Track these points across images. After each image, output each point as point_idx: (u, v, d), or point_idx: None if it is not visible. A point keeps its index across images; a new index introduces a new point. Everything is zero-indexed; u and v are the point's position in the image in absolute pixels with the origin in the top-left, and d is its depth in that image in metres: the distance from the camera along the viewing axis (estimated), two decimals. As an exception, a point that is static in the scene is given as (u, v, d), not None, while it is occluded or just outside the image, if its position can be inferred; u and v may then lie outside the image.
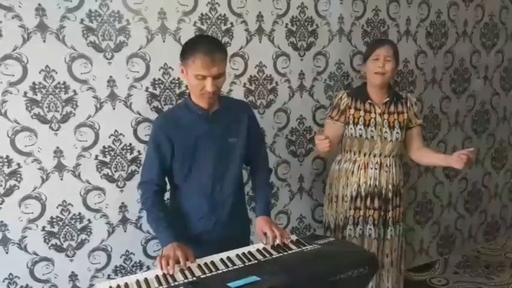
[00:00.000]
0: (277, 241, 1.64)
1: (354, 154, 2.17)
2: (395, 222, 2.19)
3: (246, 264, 1.49)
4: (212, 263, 1.52)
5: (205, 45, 1.58)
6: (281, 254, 1.56)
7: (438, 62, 2.82)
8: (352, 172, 2.16)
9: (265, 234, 1.68)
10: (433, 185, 3.01)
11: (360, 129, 2.12)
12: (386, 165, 2.15)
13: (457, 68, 2.91)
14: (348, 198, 2.17)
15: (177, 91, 2.11)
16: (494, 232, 3.41)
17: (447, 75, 2.88)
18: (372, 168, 2.14)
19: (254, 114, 1.89)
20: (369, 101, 2.13)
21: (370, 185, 2.14)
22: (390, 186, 2.15)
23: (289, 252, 1.57)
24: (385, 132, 2.12)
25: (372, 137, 2.12)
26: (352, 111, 2.13)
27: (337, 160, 2.24)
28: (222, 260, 1.54)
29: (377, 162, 2.14)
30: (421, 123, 2.23)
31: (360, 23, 2.49)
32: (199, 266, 1.50)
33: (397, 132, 2.13)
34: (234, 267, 1.48)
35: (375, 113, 2.12)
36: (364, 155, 2.15)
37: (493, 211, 3.37)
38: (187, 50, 1.61)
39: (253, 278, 1.35)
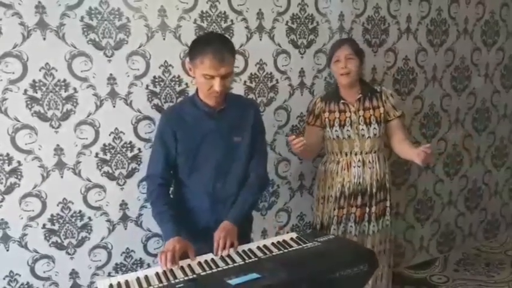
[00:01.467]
0: (219, 253, 1.55)
1: (337, 155, 2.18)
2: (378, 218, 2.18)
3: (246, 261, 1.49)
4: (212, 260, 1.52)
5: (214, 46, 1.57)
6: (281, 252, 1.56)
7: (439, 59, 2.82)
8: (337, 173, 2.17)
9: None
10: (434, 183, 3.00)
11: (336, 130, 2.13)
12: (369, 161, 2.15)
13: (458, 66, 2.91)
14: (333, 198, 2.18)
15: (178, 89, 2.11)
16: (494, 230, 3.41)
17: (448, 72, 2.88)
18: (355, 167, 2.15)
19: (259, 114, 1.88)
20: (342, 100, 2.13)
21: (354, 183, 2.14)
22: (374, 182, 2.15)
23: (290, 249, 1.57)
24: (362, 129, 2.13)
25: (349, 136, 2.13)
26: (326, 114, 2.14)
27: (323, 161, 2.26)
28: (222, 257, 1.54)
29: (359, 160, 2.14)
30: (400, 115, 2.19)
31: (360, 20, 2.49)
32: (199, 263, 1.50)
33: (375, 128, 2.13)
34: (234, 264, 1.48)
35: (350, 111, 2.12)
36: (346, 154, 2.16)
37: (493, 209, 3.37)
38: (196, 50, 1.60)
39: (254, 275, 1.36)
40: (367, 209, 2.16)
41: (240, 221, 1.69)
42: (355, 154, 2.15)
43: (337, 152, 2.17)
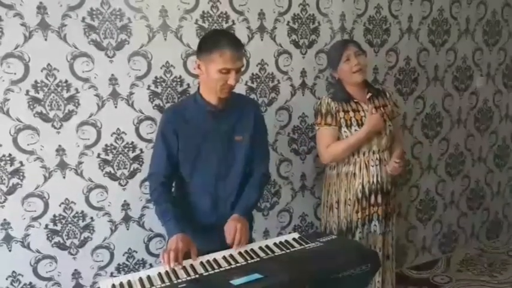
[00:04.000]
0: (234, 248, 1.58)
1: (353, 156, 2.11)
2: (393, 214, 2.21)
3: (249, 261, 1.49)
4: (215, 260, 1.52)
5: (231, 40, 1.61)
6: (283, 252, 1.56)
7: (440, 59, 2.81)
8: (354, 174, 2.12)
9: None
10: (436, 183, 3.00)
11: (356, 130, 2.07)
12: (384, 158, 2.13)
13: (460, 66, 2.90)
14: (352, 201, 2.12)
15: (179, 89, 2.11)
16: (497, 230, 3.40)
17: (449, 72, 2.87)
18: (373, 166, 2.12)
19: (261, 114, 1.88)
20: (355, 100, 2.11)
21: (373, 182, 2.12)
22: (390, 179, 2.15)
23: (292, 249, 1.57)
24: None
25: None
26: (341, 114, 2.08)
27: (333, 165, 2.17)
28: (224, 257, 1.54)
29: (377, 158, 2.12)
30: (400, 113, 2.23)
31: (361, 20, 2.49)
32: (201, 263, 1.50)
33: (389, 125, 2.13)
34: (237, 264, 1.48)
35: (363, 110, 2.10)
36: (364, 154, 2.12)
37: (496, 209, 3.36)
38: (212, 44, 1.59)
39: (256, 276, 1.35)
40: (384, 207, 2.15)
41: (247, 214, 1.72)
42: (373, 153, 2.11)
43: (353, 153, 2.11)
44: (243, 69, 1.68)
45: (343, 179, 2.14)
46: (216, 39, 1.62)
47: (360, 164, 2.12)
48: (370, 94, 2.12)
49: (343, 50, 2.07)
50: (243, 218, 1.68)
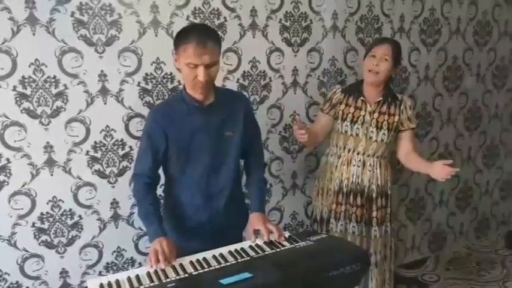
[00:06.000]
0: (272, 238, 1.61)
1: (340, 149, 2.18)
2: (380, 223, 2.16)
3: (239, 260, 1.48)
4: (204, 259, 1.51)
5: (197, 34, 1.55)
6: (274, 251, 1.55)
7: (431, 59, 2.83)
8: (336, 167, 2.17)
9: (257, 231, 1.67)
10: (425, 182, 3.02)
11: (346, 125, 2.12)
12: (370, 164, 2.14)
13: (450, 66, 2.92)
14: (332, 192, 2.18)
15: (170, 86, 2.09)
16: (485, 229, 3.44)
17: (440, 72, 2.89)
18: (354, 166, 2.14)
19: (251, 107, 1.87)
20: (362, 98, 2.12)
21: (352, 181, 2.14)
22: (374, 187, 2.13)
23: (282, 248, 1.56)
24: (371, 131, 2.11)
25: (357, 134, 2.12)
26: (342, 106, 2.14)
27: (326, 153, 2.27)
28: (214, 256, 1.53)
29: (360, 160, 2.14)
30: (414, 128, 2.16)
31: (353, 19, 2.49)
32: (191, 262, 1.49)
33: (384, 134, 2.11)
34: (227, 263, 1.47)
35: (365, 110, 2.11)
36: (349, 151, 2.15)
37: (484, 208, 3.39)
38: (180, 39, 1.58)
39: (246, 275, 1.35)
40: (366, 211, 2.15)
41: (264, 209, 1.77)
42: (358, 153, 2.14)
43: (340, 146, 2.17)
44: (216, 66, 1.59)
45: (328, 168, 2.21)
46: (184, 33, 1.58)
47: (343, 159, 2.16)
48: (380, 99, 2.11)
49: (375, 45, 2.09)
50: (262, 214, 1.73)
